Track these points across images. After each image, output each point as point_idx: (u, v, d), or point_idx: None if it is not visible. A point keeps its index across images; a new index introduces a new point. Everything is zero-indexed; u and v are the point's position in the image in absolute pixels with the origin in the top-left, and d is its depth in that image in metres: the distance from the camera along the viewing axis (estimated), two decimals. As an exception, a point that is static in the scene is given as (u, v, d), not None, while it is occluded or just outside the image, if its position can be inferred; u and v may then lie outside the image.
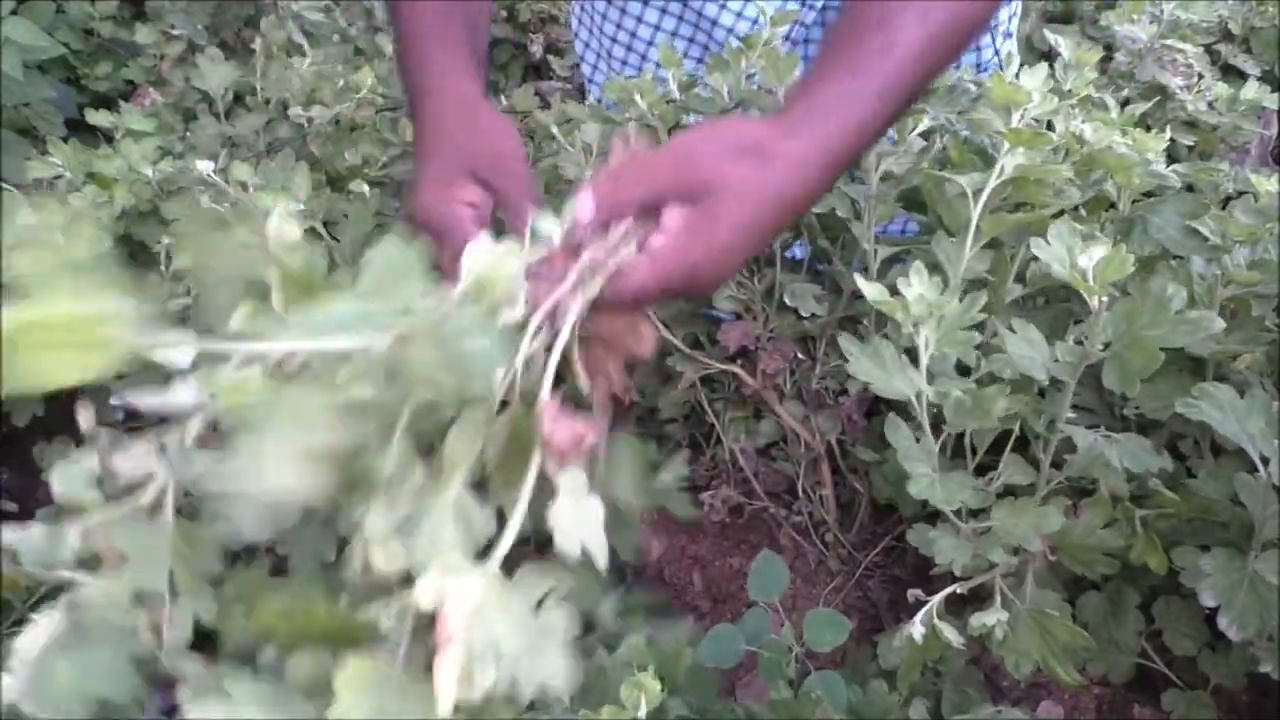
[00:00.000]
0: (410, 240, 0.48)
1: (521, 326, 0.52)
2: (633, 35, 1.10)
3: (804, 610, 0.82)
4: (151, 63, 1.63)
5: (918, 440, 0.72)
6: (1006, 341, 0.72)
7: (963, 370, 0.74)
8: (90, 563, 0.47)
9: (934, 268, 0.72)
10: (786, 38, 1.02)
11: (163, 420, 0.49)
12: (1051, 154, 0.79)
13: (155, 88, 1.52)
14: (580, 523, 0.47)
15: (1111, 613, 0.79)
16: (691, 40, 1.07)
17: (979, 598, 0.73)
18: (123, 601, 0.45)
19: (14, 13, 1.45)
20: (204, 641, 0.51)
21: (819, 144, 0.63)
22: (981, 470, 0.75)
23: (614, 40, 1.13)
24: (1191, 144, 1.22)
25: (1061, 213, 0.78)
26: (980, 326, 0.70)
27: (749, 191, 0.61)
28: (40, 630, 0.44)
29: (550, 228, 0.58)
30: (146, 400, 0.47)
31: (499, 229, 0.65)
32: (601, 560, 0.47)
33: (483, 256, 0.53)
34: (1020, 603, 0.72)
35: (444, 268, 0.62)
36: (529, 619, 0.43)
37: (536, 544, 0.47)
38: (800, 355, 0.93)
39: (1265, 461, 0.67)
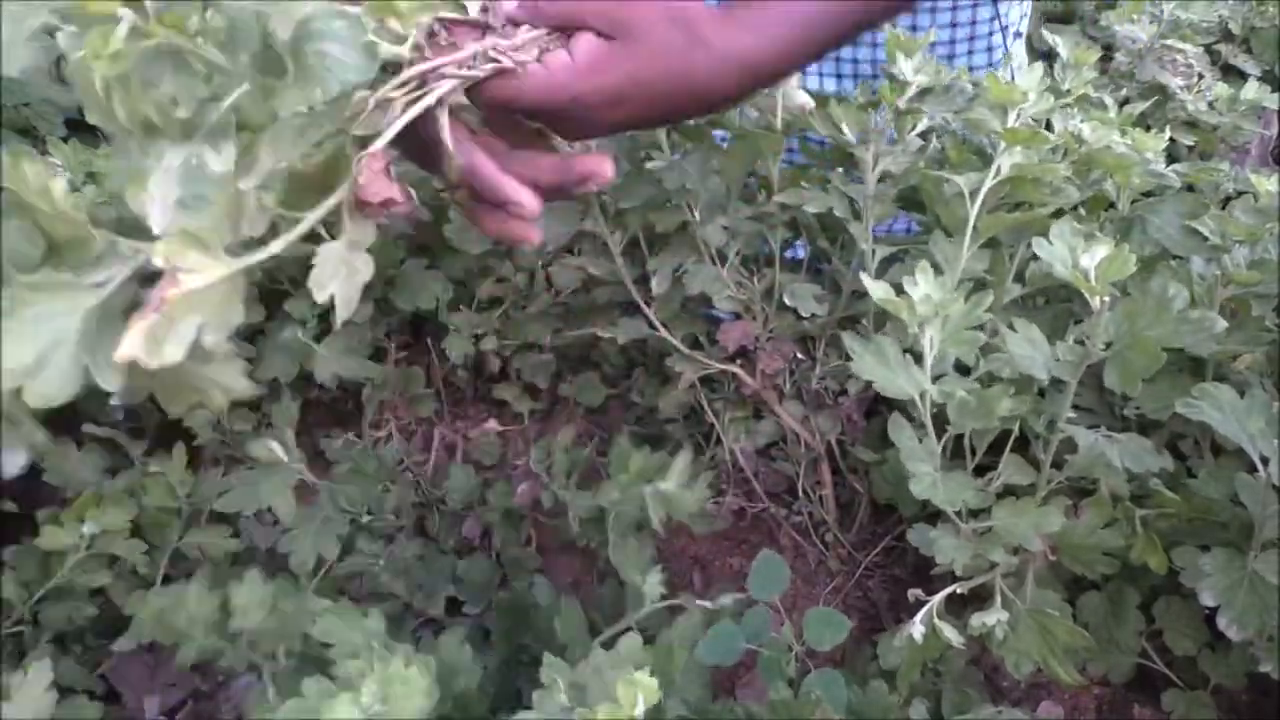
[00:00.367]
0: None
1: (396, 72, 0.51)
2: None
3: (804, 610, 0.82)
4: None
5: (920, 440, 0.72)
6: (1008, 341, 0.72)
7: (962, 369, 0.74)
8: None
9: (933, 267, 0.72)
10: None
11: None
12: (1050, 153, 0.79)
13: (155, 88, 1.52)
14: (340, 277, 0.47)
15: (1111, 613, 0.79)
16: None
17: (979, 598, 0.73)
18: None
19: (14, 13, 1.45)
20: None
21: (749, 51, 0.62)
22: (981, 470, 0.75)
23: None
24: (1191, 144, 1.22)
25: (1060, 212, 0.78)
26: (980, 326, 0.70)
27: (665, 54, 0.60)
28: None
29: (474, 4, 0.57)
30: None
31: None
32: (343, 313, 0.46)
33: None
34: (1020, 603, 0.72)
35: None
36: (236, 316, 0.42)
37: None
38: (800, 355, 0.93)
39: (1265, 461, 0.67)
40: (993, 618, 0.70)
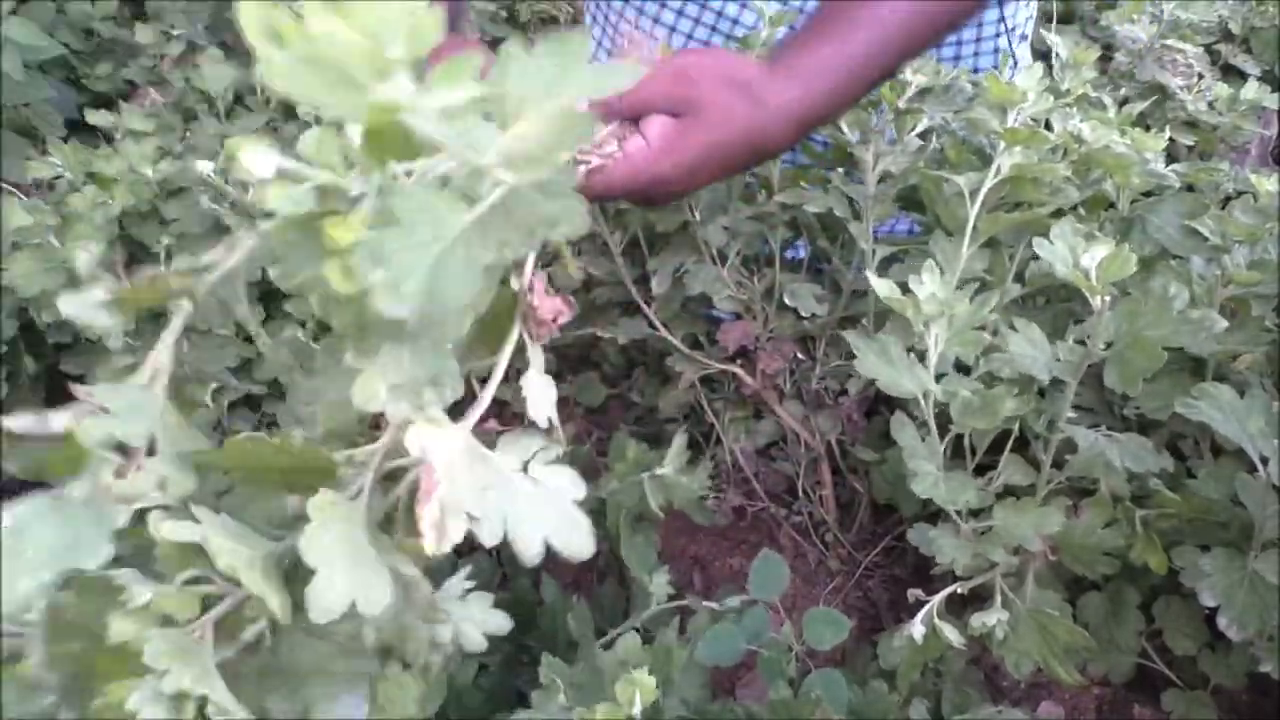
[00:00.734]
0: None
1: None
2: (648, 35, 1.10)
3: (804, 610, 0.82)
4: (151, 63, 1.63)
5: (923, 439, 0.72)
6: (1009, 341, 0.72)
7: (962, 369, 0.74)
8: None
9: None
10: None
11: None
12: (1049, 153, 0.79)
13: (155, 88, 1.52)
14: (544, 395, 0.51)
15: (1111, 613, 0.79)
16: (708, 43, 1.07)
17: (979, 598, 0.73)
18: (95, 444, 0.44)
19: (14, 13, 1.45)
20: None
21: (800, 101, 0.67)
22: (981, 470, 0.75)
23: None
24: (1191, 144, 1.22)
25: (1060, 212, 0.78)
26: (982, 326, 0.71)
27: (729, 120, 0.65)
28: (17, 504, 0.43)
29: None
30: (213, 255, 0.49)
31: None
32: (558, 437, 0.50)
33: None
34: (1020, 603, 0.72)
35: None
36: (519, 479, 0.45)
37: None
38: (800, 355, 0.93)
39: (1265, 461, 0.67)
40: (993, 618, 0.70)
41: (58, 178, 1.13)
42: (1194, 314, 0.69)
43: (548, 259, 0.63)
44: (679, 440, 0.86)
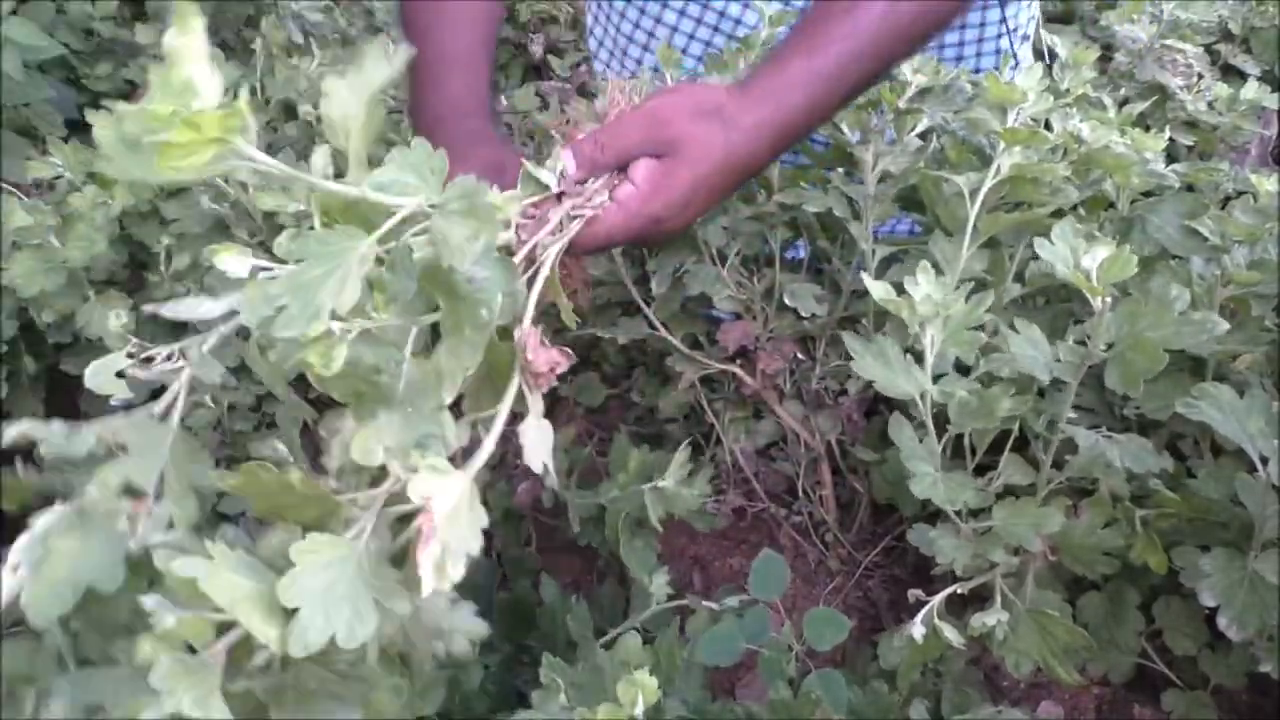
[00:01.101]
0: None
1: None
2: (650, 35, 1.10)
3: (804, 610, 0.82)
4: (152, 63, 1.63)
5: (920, 440, 0.72)
6: (1009, 341, 0.72)
7: (962, 369, 0.74)
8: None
9: (933, 267, 0.72)
10: None
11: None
12: (1049, 153, 0.79)
13: (155, 88, 1.52)
14: (541, 443, 0.54)
15: (1111, 613, 0.79)
16: (709, 43, 1.07)
17: (979, 598, 0.73)
18: (112, 491, 0.48)
19: (14, 13, 1.45)
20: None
21: (772, 118, 0.69)
22: (981, 470, 0.75)
23: (630, 40, 1.13)
24: (1191, 144, 1.22)
25: (1060, 212, 0.78)
26: (980, 326, 0.70)
27: (709, 151, 0.67)
28: (43, 521, 0.47)
29: (546, 176, 0.65)
30: (179, 310, 0.52)
31: None
32: (551, 482, 0.55)
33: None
34: (1020, 603, 0.72)
35: None
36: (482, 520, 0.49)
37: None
38: (800, 355, 0.93)
39: (1265, 461, 0.67)
40: (993, 618, 0.70)
41: (58, 178, 1.13)
42: (1195, 315, 0.69)
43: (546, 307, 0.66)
44: (682, 453, 0.86)
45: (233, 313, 0.53)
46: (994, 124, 0.76)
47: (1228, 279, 0.77)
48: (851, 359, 0.72)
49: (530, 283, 0.57)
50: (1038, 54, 1.15)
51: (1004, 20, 1.06)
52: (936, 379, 0.71)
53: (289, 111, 1.40)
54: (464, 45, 0.87)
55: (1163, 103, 1.27)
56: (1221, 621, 0.67)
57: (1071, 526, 0.71)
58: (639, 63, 1.13)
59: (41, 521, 0.47)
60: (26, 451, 0.50)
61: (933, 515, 0.74)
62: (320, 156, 0.49)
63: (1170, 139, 0.87)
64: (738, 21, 1.04)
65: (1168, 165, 0.85)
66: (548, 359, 0.54)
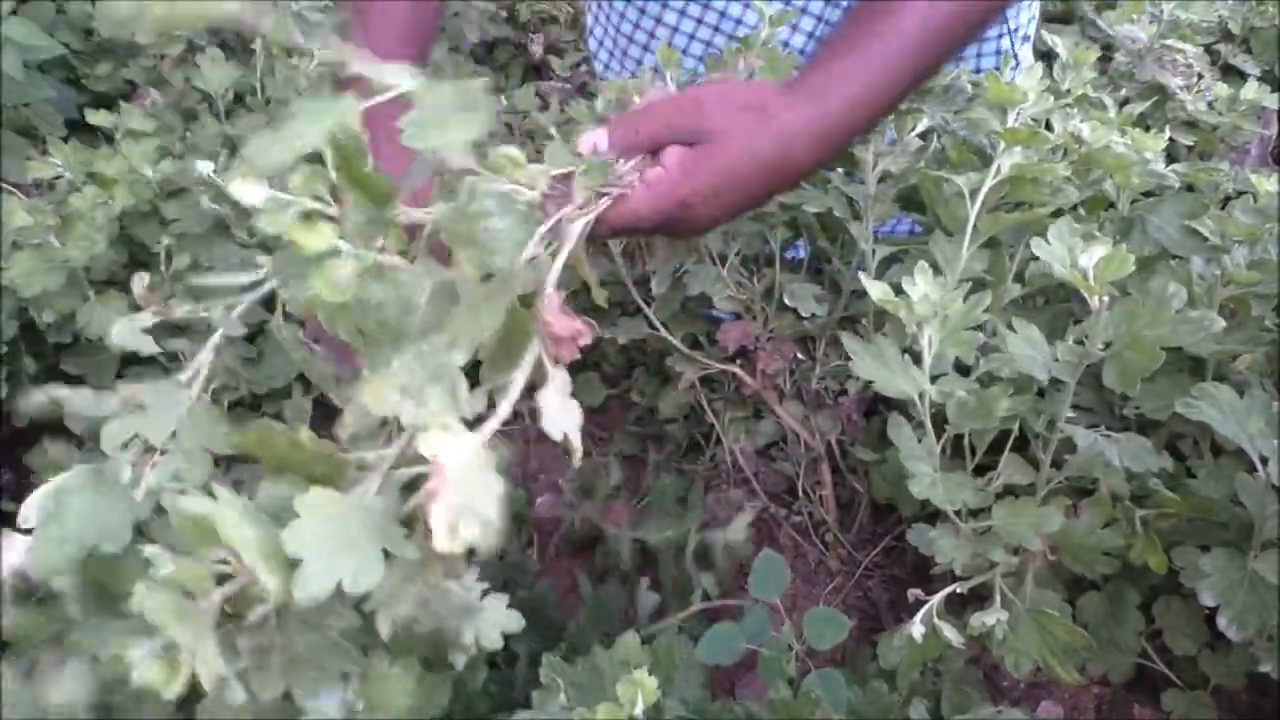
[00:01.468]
0: None
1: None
2: (650, 35, 1.10)
3: (804, 610, 0.82)
4: (151, 63, 1.63)
5: (919, 440, 0.72)
6: (1008, 341, 0.72)
7: (961, 370, 0.74)
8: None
9: (933, 267, 0.72)
10: (811, 35, 1.03)
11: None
12: (1049, 153, 0.79)
13: (155, 88, 1.52)
14: (564, 415, 0.53)
15: (1111, 613, 0.79)
16: (710, 43, 1.07)
17: (979, 597, 0.73)
18: (119, 443, 0.49)
19: (14, 13, 1.45)
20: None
21: (817, 119, 0.67)
22: (981, 470, 0.75)
23: (630, 40, 1.13)
24: (1191, 144, 1.22)
25: (1060, 212, 0.78)
26: (979, 326, 0.70)
27: (745, 144, 0.65)
28: (57, 479, 0.48)
29: (578, 149, 0.65)
30: (206, 280, 0.53)
31: None
32: (577, 457, 0.53)
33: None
34: (1020, 602, 0.72)
35: None
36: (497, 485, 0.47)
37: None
38: (800, 355, 0.93)
39: (1265, 461, 0.67)
40: (992, 617, 0.70)
41: (58, 178, 1.13)
42: (1192, 314, 0.69)
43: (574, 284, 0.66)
44: (743, 519, 0.90)
45: (256, 283, 0.54)
46: (994, 124, 0.76)
47: (1228, 279, 0.77)
48: (851, 359, 0.72)
49: (555, 253, 0.57)
50: (1037, 54, 1.15)
51: (1004, 21, 1.06)
52: (935, 379, 0.71)
53: (289, 111, 1.40)
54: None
55: (1163, 103, 1.27)
56: (1221, 621, 0.67)
57: (1071, 526, 0.71)
58: (639, 63, 1.13)
59: (56, 479, 0.48)
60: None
61: (932, 515, 0.74)
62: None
63: (1170, 139, 0.87)
64: (738, 21, 1.04)
65: (1168, 165, 0.85)
66: (569, 326, 0.52)
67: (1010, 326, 0.73)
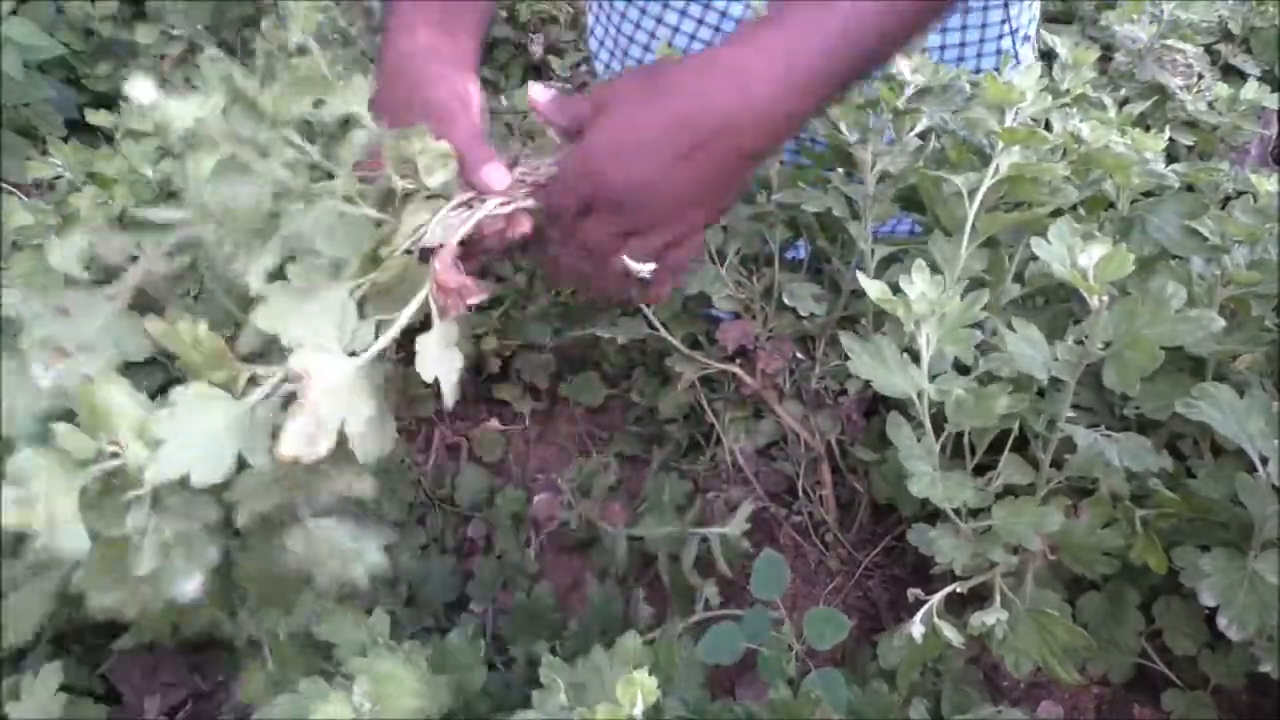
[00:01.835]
0: None
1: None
2: (651, 35, 1.10)
3: (804, 610, 0.82)
4: (151, 63, 1.63)
5: (919, 439, 0.72)
6: (1007, 340, 0.72)
7: (961, 369, 0.74)
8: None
9: (932, 267, 0.72)
10: None
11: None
12: (1049, 153, 0.79)
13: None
14: (441, 363, 0.56)
15: (1111, 613, 0.79)
16: (710, 44, 1.07)
17: (979, 597, 0.73)
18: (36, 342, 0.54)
19: (14, 13, 1.45)
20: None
21: (768, 53, 0.62)
22: (981, 470, 0.75)
23: (631, 40, 1.13)
24: (1191, 144, 1.22)
25: (1059, 212, 0.78)
26: (979, 325, 0.70)
27: (636, 95, 0.63)
28: None
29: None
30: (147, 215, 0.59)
31: None
32: (450, 398, 0.56)
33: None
34: (1020, 602, 0.72)
35: None
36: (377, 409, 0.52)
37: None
38: (800, 355, 0.93)
39: (1265, 461, 0.67)
40: (992, 617, 0.70)
41: (58, 178, 1.13)
42: (1192, 313, 0.69)
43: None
44: (746, 508, 0.90)
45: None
46: (992, 124, 0.76)
47: (1228, 279, 0.77)
48: (850, 358, 0.72)
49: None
50: (1038, 54, 1.15)
51: (1005, 21, 1.06)
52: (933, 378, 0.71)
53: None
54: None
55: (1163, 103, 1.27)
56: (1221, 621, 0.67)
57: (1071, 526, 0.71)
58: (640, 63, 1.13)
59: None
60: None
61: (932, 515, 0.74)
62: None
63: (1170, 139, 0.87)
64: (738, 22, 1.04)
65: (1168, 165, 0.85)
66: (458, 280, 0.56)
67: (1010, 326, 0.73)
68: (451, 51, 0.77)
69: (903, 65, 0.80)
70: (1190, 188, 0.89)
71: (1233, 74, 1.52)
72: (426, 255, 0.58)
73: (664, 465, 1.05)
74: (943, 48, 1.04)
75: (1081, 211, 0.84)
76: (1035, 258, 0.71)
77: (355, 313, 0.54)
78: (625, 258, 0.65)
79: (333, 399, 0.49)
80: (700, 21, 1.07)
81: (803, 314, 0.88)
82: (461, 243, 0.60)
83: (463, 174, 0.63)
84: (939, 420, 0.72)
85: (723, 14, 1.05)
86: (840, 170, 0.87)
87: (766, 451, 1.00)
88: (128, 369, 0.54)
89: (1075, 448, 0.72)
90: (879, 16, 0.63)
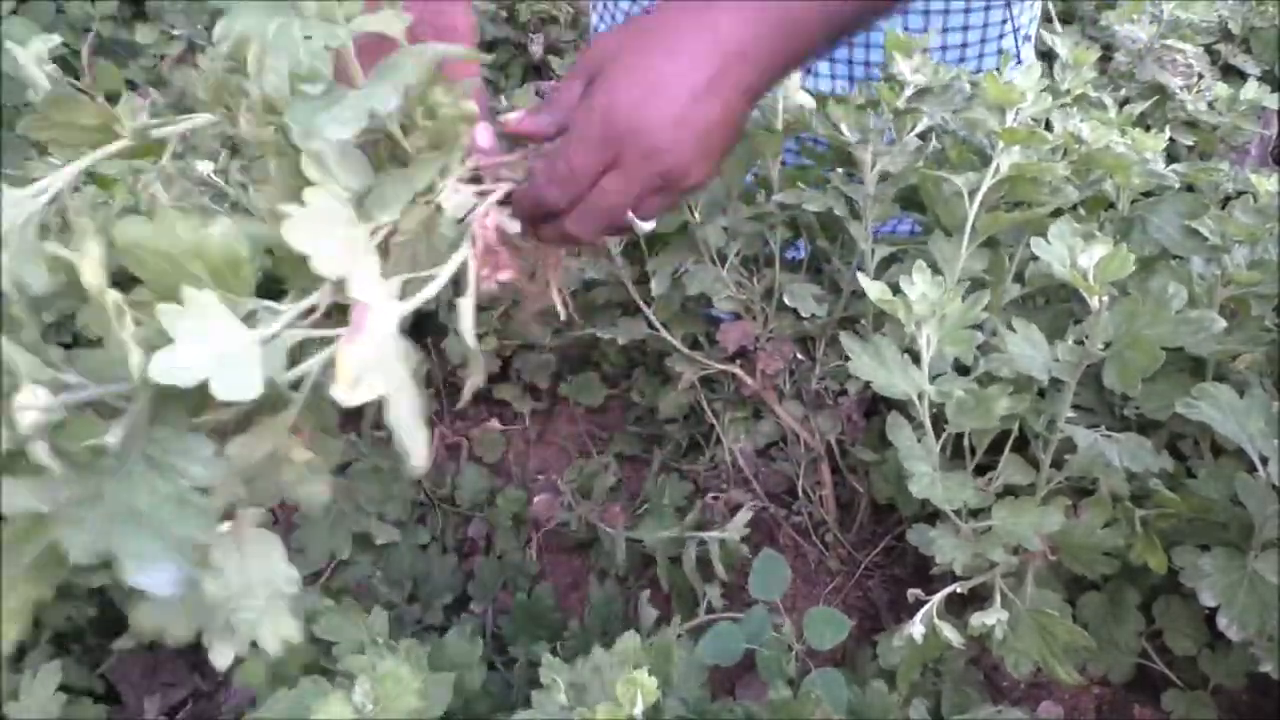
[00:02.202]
0: None
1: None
2: None
3: (804, 610, 0.82)
4: (151, 63, 1.63)
5: (919, 439, 0.72)
6: (1007, 341, 0.72)
7: (961, 370, 0.74)
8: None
9: (932, 267, 0.72)
10: None
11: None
12: (1049, 153, 0.79)
13: (155, 88, 1.52)
14: (471, 332, 0.53)
15: (1111, 613, 0.79)
16: None
17: (979, 597, 0.73)
18: None
19: (14, 13, 1.45)
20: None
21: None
22: (981, 470, 0.75)
23: None
24: (1191, 144, 1.22)
25: (1060, 212, 0.78)
26: (979, 326, 0.70)
27: (638, 44, 0.60)
28: None
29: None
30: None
31: None
32: (480, 377, 0.55)
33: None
34: (1020, 603, 0.72)
35: None
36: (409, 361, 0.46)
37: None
38: (800, 355, 0.93)
39: (1265, 461, 0.67)
40: (992, 617, 0.70)
41: (58, 178, 1.12)
42: (1192, 314, 0.69)
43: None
44: (744, 514, 0.89)
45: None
46: (993, 124, 0.76)
47: (1228, 279, 0.77)
48: (850, 359, 0.72)
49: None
50: (1038, 54, 1.15)
51: (1006, 20, 1.06)
52: (934, 379, 0.71)
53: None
54: None
55: (1163, 103, 1.27)
56: (1221, 621, 0.67)
57: (1071, 526, 0.71)
58: None
59: None
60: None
61: (932, 515, 0.74)
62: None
63: (1170, 139, 0.87)
64: None
65: (1168, 165, 0.85)
66: (498, 231, 0.54)
67: (1010, 326, 0.73)
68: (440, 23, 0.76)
69: (903, 65, 0.80)
70: (1190, 188, 0.89)
71: (1233, 74, 1.52)
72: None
73: (664, 465, 1.05)
74: (944, 48, 1.04)
75: (1082, 211, 0.84)
76: (1035, 258, 0.71)
77: (378, 258, 0.47)
78: (631, 214, 0.62)
79: (381, 342, 0.42)
80: None
81: (803, 314, 0.88)
82: None
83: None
84: (939, 421, 0.72)
85: None
86: (840, 170, 0.87)
87: (766, 452, 1.00)
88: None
89: (1075, 448, 0.72)
90: None
